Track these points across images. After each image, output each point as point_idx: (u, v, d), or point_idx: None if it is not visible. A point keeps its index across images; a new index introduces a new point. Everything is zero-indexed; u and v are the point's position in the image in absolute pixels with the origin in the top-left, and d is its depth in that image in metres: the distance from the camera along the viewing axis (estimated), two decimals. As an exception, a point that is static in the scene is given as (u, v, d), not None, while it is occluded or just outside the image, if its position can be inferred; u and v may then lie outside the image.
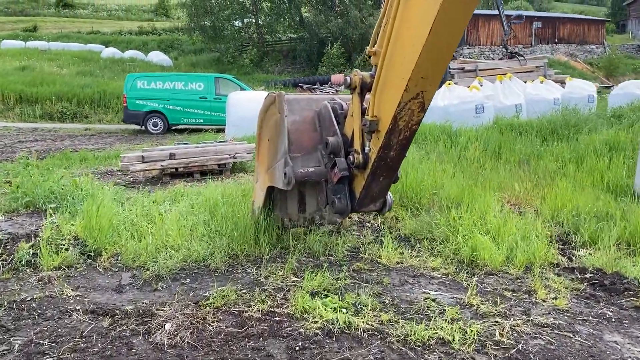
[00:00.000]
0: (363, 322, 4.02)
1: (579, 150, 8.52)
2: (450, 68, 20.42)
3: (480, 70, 19.93)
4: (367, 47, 4.56)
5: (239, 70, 38.34)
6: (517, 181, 7.40)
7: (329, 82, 34.50)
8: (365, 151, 4.51)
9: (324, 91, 33.36)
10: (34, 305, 4.33)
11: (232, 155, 10.24)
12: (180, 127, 20.77)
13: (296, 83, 34.40)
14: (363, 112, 4.58)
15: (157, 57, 40.64)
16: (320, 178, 5.08)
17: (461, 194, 6.48)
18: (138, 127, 20.14)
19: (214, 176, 10.23)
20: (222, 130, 16.07)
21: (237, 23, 43.95)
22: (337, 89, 34.48)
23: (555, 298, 4.54)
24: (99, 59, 37.45)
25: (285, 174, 5.00)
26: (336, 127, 4.93)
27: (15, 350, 3.63)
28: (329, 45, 37.71)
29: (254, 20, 43.59)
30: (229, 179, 10.04)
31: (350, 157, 4.60)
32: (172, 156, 9.97)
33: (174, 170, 10.06)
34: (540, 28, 46.32)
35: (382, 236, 6.13)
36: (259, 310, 4.23)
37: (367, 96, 4.68)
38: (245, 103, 14.47)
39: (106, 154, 13.77)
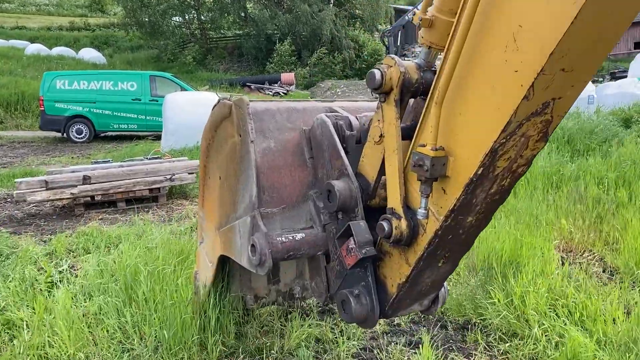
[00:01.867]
0: None
1: (622, 168, 6.62)
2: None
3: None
4: (415, 12, 2.37)
5: (180, 68, 35.42)
6: (564, 216, 5.36)
7: (279, 82, 32.28)
8: (418, 215, 2.29)
9: (273, 91, 31.13)
10: None
11: (168, 176, 7.81)
12: (109, 134, 17.90)
13: (244, 82, 31.96)
14: (404, 136, 2.42)
15: (89, 54, 37.04)
16: (316, 252, 2.85)
17: (511, 245, 4.35)
18: (59, 134, 17.15)
19: (144, 205, 7.77)
20: (161, 138, 13.46)
21: (178, 18, 40.89)
22: (288, 89, 32.30)
23: None
24: (22, 56, 33.61)
25: (253, 246, 2.74)
26: (345, 160, 2.71)
27: None
28: (278, 42, 35.35)
29: (196, 16, 40.64)
30: (165, 209, 7.60)
31: (384, 224, 2.37)
32: (86, 180, 7.44)
33: (89, 199, 7.53)
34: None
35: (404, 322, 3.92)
36: None
37: (411, 103, 2.53)
38: (186, 106, 11.99)
39: (10, 171, 10.96)
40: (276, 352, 3.51)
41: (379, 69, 2.37)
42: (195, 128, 12.39)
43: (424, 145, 2.17)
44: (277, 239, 2.75)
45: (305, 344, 3.56)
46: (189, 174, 8.06)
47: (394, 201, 2.40)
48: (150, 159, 8.54)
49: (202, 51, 39.21)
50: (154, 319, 3.54)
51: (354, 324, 2.67)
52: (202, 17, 40.51)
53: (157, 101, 16.44)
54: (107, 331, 3.60)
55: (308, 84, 33.49)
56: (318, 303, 4.26)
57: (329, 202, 2.68)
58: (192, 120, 11.51)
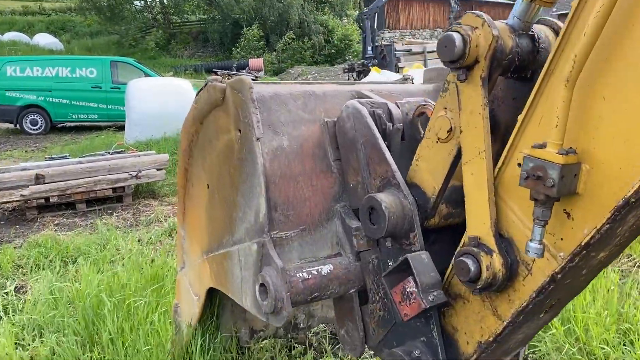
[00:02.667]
0: None
1: None
2: (395, 50, 17.84)
3: (428, 52, 17.48)
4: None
5: (142, 54, 33.91)
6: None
7: (247, 68, 31.10)
8: (529, 251, 1.52)
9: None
10: None
11: (134, 173, 6.89)
12: (67, 124, 16.64)
13: (209, 68, 30.72)
14: (497, 129, 1.68)
15: (45, 39, 35.11)
16: (348, 290, 2.09)
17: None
18: (11, 126, 15.83)
19: (107, 206, 6.84)
20: (124, 128, 12.37)
21: (139, 2, 39.15)
22: (257, 75, 31.15)
23: None
24: (-30, 43, 31.60)
25: (264, 286, 1.96)
26: (392, 165, 1.94)
27: None
28: (245, 26, 34.14)
29: (158, 0, 38.97)
30: (131, 210, 6.69)
31: (468, 262, 1.61)
32: (39, 179, 6.46)
33: (43, 201, 6.56)
34: (458, 10, 45.23)
35: None
36: None
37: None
38: (151, 94, 10.97)
39: (-47, 168, 9.78)
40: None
41: (458, 32, 1.59)
42: (162, 117, 11.41)
43: (541, 146, 1.40)
44: (297, 275, 1.97)
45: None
46: (158, 170, 7.15)
47: (480, 227, 1.63)
48: (113, 153, 7.58)
49: (165, 36, 37.71)
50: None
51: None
52: (165, 1, 38.91)
53: (119, 89, 15.26)
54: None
55: (277, 70, 32.49)
56: (329, 334, 3.49)
57: (372, 224, 1.91)
58: (158, 109, 10.54)
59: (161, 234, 5.50)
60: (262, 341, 3.22)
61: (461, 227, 1.81)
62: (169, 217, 6.19)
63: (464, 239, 1.70)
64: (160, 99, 10.72)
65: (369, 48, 17.03)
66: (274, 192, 2.05)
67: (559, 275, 1.50)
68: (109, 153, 7.60)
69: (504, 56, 1.61)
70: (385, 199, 1.86)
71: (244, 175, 2.16)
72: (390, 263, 1.97)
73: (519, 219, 1.59)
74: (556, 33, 1.76)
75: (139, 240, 5.32)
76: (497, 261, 1.59)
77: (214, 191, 2.46)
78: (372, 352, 2.31)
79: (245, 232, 2.19)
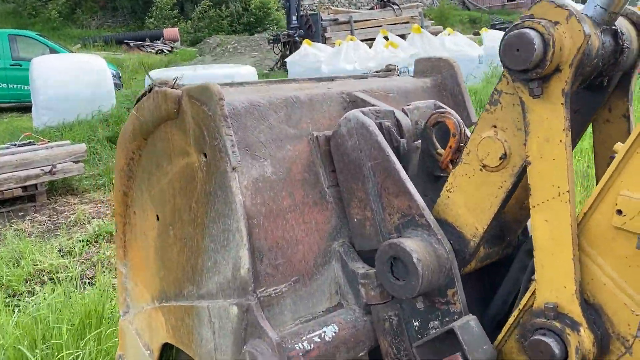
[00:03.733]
0: None
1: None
2: (322, 19, 17.17)
3: (355, 21, 16.94)
4: None
5: (44, 25, 31.15)
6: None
7: (162, 38, 29.40)
8: None
9: (156, 49, 28.29)
10: None
11: (47, 169, 6.04)
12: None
13: (121, 39, 28.81)
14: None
15: None
16: (358, 354, 1.64)
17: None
18: None
19: (17, 208, 5.96)
20: (29, 110, 11.05)
21: (36, -34, 35.83)
22: (172, 46, 29.53)
23: None
24: None
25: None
26: (419, 201, 1.48)
27: None
28: (157, -7, 32.17)
29: (58, -36, 35.82)
30: (46, 211, 5.87)
31: (550, 343, 1.20)
32: None
33: (-64, 206, 5.61)
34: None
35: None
36: None
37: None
38: (61, 72, 9.82)
39: None
40: None
41: (536, 30, 1.13)
42: (74, 99, 10.28)
43: None
44: (296, 347, 1.50)
45: None
46: (75, 162, 6.33)
47: (559, 292, 1.23)
48: (20, 145, 6.63)
49: (68, 5, 34.78)
50: None
51: None
52: (66, -34, 35.84)
53: (20, 65, 13.72)
54: None
55: (194, 40, 31.00)
56: None
57: (396, 279, 1.46)
58: (69, 90, 9.47)
59: (86, 242, 4.78)
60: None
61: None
62: (93, 218, 5.46)
63: (536, 304, 1.29)
64: (71, 78, 9.64)
65: (294, 17, 16.33)
66: (258, 237, 1.55)
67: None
68: (15, 145, 6.64)
69: (589, 61, 1.18)
70: (415, 247, 1.41)
71: (214, 214, 1.64)
72: (416, 324, 1.54)
73: (613, 281, 1.19)
74: (636, 26, 1.35)
75: (59, 251, 4.60)
76: (586, 339, 1.19)
77: (167, 227, 1.91)
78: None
79: (218, 288, 1.68)
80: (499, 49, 1.20)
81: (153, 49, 28.23)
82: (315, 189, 1.69)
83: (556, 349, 1.20)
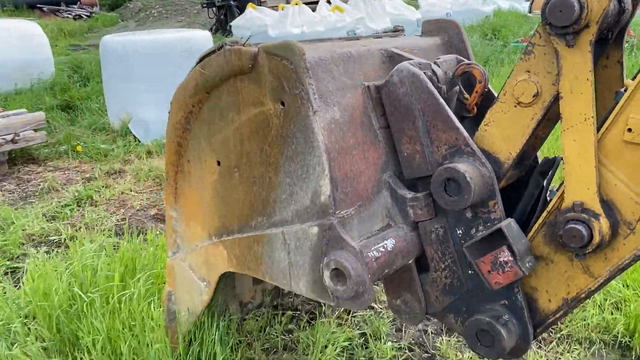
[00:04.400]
0: None
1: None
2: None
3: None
4: None
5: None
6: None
7: (78, 2, 27.91)
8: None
9: (73, 14, 26.87)
10: None
11: (9, 137, 5.95)
12: None
13: (33, 4, 27.04)
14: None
15: None
16: (408, 261, 2.05)
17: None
18: None
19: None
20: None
21: None
22: (91, 11, 28.14)
23: None
24: None
25: (337, 271, 1.85)
26: (464, 132, 1.88)
27: None
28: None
29: None
30: (11, 181, 5.82)
31: (581, 229, 1.65)
32: None
33: None
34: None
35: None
36: None
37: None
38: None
39: None
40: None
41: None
42: (10, 67, 9.86)
43: None
44: (370, 255, 1.87)
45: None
46: (35, 131, 6.26)
47: (584, 193, 1.67)
48: (-28, 114, 6.42)
49: (-31, -34, 32.09)
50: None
51: (491, 355, 1.95)
52: None
53: None
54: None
55: (113, 4, 29.64)
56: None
57: (448, 195, 1.86)
58: (3, 58, 9.10)
59: (67, 207, 4.87)
60: (248, 314, 3.07)
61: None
62: (66, 184, 5.50)
63: (565, 204, 1.72)
64: (4, 45, 9.24)
65: (227, -19, 16.11)
66: (333, 170, 1.89)
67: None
68: (-33, 114, 6.43)
69: (607, 20, 1.60)
70: (466, 169, 1.81)
71: (290, 153, 1.96)
72: (459, 232, 1.95)
73: (623, 182, 1.64)
74: (629, -10, 1.79)
75: (43, 215, 4.68)
76: (604, 225, 1.65)
77: (232, 170, 2.21)
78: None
79: (295, 215, 2.01)
80: (543, 10, 1.59)
81: (70, 14, 26.78)
82: (370, 130, 2.04)
83: (585, 232, 1.65)
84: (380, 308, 3.28)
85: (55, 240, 4.24)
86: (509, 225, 1.80)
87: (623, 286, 3.13)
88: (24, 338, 2.70)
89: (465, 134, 1.87)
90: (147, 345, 2.48)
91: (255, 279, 3.15)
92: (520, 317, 1.90)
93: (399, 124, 2.01)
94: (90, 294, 2.69)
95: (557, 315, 1.88)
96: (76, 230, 4.29)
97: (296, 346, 2.92)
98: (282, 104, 1.93)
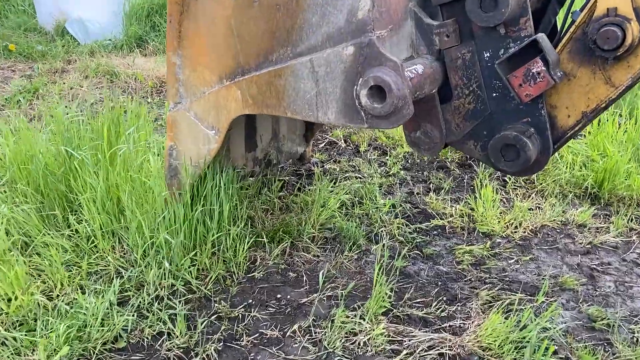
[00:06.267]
0: None
1: None
2: None
3: None
4: None
5: None
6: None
7: None
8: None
9: None
10: None
11: None
12: None
13: None
14: None
15: None
16: (433, 89, 2.13)
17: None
18: None
19: None
20: None
21: None
22: None
23: None
24: None
25: (377, 89, 1.88)
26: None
27: None
28: None
29: None
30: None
31: (615, 30, 1.78)
32: None
33: None
34: None
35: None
36: None
37: None
38: None
39: None
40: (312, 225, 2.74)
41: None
42: None
43: None
44: (405, 73, 1.91)
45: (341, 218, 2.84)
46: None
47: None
48: None
49: None
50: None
51: (513, 170, 2.08)
52: None
53: None
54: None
55: None
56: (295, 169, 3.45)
57: (483, 11, 1.91)
58: None
59: (14, 99, 4.53)
60: (241, 181, 3.06)
61: None
62: (3, 82, 5.08)
63: (598, 12, 1.82)
64: None
65: None
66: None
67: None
68: None
69: None
70: None
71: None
72: (487, 54, 2.02)
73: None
74: None
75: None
76: (635, 28, 1.76)
77: (249, 4, 2.13)
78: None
79: (326, 39, 2.00)
80: None
81: None
82: None
83: (619, 33, 1.76)
84: (369, 174, 3.37)
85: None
86: (543, 37, 1.88)
87: (589, 148, 3.40)
88: (11, 200, 2.55)
89: None
90: (151, 191, 2.42)
91: (247, 145, 3.13)
92: (543, 131, 2.02)
93: None
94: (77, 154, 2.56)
95: (575, 129, 2.03)
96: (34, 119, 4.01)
97: (292, 208, 2.96)
98: None
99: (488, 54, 2.02)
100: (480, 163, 3.38)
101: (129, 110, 3.05)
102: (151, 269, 2.30)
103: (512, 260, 2.65)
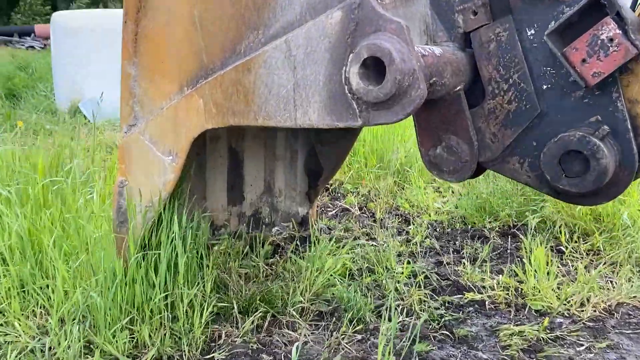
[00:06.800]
0: None
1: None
2: None
3: None
4: None
5: None
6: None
7: (33, 34, 27.17)
8: None
9: (27, 45, 26.07)
10: None
11: None
12: None
13: (-16, 34, 26.14)
14: None
15: None
16: (457, 86, 1.52)
17: None
18: None
19: None
20: None
21: None
22: (45, 43, 27.34)
23: None
24: None
25: (375, 60, 1.28)
26: None
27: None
28: (25, -12, 29.75)
29: None
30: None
31: None
32: None
33: None
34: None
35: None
36: None
37: None
38: None
39: None
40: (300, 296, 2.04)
41: None
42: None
43: None
44: (417, 48, 1.34)
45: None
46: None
47: None
48: None
49: None
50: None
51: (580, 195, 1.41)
52: None
53: None
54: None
55: (69, 38, 28.91)
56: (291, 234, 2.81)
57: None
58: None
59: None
60: (223, 243, 2.43)
61: None
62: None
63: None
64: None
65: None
66: None
67: None
68: None
69: None
70: None
71: None
72: (531, 32, 1.45)
73: None
74: None
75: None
76: None
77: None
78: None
79: (306, 8, 1.47)
80: None
81: (23, 45, 25.96)
82: None
83: None
84: (385, 242, 2.69)
85: None
86: (612, -8, 1.30)
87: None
88: None
89: None
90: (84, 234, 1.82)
91: (230, 197, 2.55)
92: (622, 132, 1.37)
93: None
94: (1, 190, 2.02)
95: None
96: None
97: (282, 275, 2.29)
98: None
99: (532, 31, 1.44)
100: (529, 231, 2.65)
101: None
102: (65, 340, 1.63)
103: (582, 348, 1.87)
